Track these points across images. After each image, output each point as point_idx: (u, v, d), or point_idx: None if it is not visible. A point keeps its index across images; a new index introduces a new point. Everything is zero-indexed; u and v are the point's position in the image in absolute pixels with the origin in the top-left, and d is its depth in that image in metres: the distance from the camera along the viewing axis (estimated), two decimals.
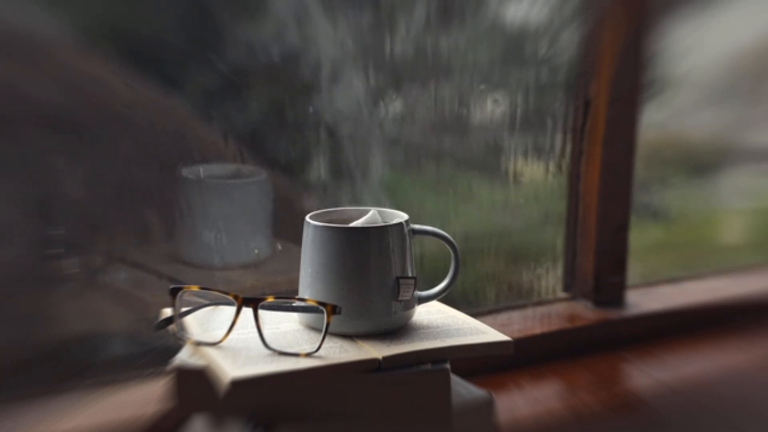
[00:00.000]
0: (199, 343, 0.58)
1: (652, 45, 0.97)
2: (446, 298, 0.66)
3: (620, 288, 1.01)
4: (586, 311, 0.98)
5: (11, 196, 0.68)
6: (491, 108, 0.91)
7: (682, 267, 1.15)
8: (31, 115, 0.68)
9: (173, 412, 0.58)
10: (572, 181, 0.98)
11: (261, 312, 0.57)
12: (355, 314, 0.60)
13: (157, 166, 0.75)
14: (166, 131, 0.76)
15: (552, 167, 0.96)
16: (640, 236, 1.02)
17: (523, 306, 0.96)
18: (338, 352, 0.57)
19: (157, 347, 0.70)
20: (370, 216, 0.63)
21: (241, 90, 0.79)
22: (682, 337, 0.99)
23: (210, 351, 0.57)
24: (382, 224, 0.62)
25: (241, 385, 0.52)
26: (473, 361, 0.60)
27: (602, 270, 0.98)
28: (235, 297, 0.57)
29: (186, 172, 0.76)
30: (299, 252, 0.63)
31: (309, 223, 0.62)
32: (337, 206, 0.68)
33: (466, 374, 0.66)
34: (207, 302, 0.63)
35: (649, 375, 0.91)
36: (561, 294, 1.00)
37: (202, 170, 0.77)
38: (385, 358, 0.56)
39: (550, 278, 0.99)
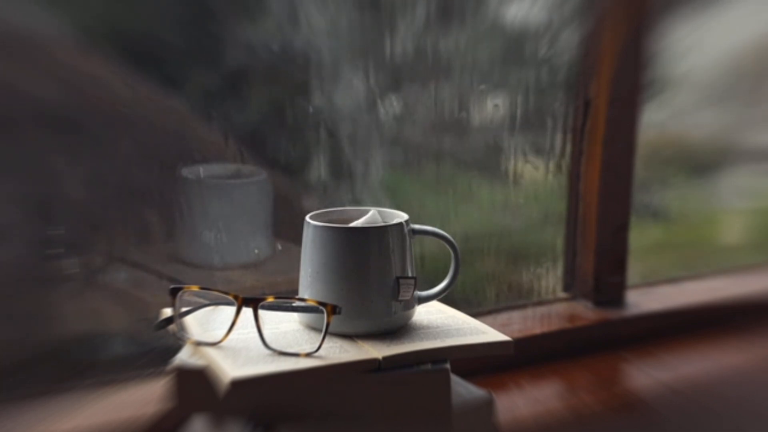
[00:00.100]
0: (199, 343, 0.58)
1: (652, 45, 0.97)
2: (446, 298, 0.66)
3: (620, 288, 1.01)
4: (586, 311, 0.98)
5: (11, 196, 0.68)
6: (491, 108, 0.91)
7: (682, 267, 1.15)
8: (31, 115, 0.68)
9: (173, 412, 0.58)
10: (572, 181, 0.98)
11: (261, 312, 0.57)
12: (355, 314, 0.60)
13: (157, 166, 0.75)
14: (166, 131, 0.76)
15: (552, 167, 0.96)
16: (640, 236, 1.02)
17: (523, 306, 0.96)
18: (338, 352, 0.57)
19: (157, 347, 0.70)
20: (370, 216, 0.63)
21: (241, 90, 0.79)
22: (682, 337, 0.99)
23: (210, 351, 0.57)
24: (382, 224, 0.62)
25: (241, 385, 0.52)
26: (473, 361, 0.60)
27: (602, 270, 0.98)
28: (235, 297, 0.57)
29: (186, 172, 0.76)
30: (299, 252, 0.63)
31: (309, 223, 0.62)
32: (337, 206, 0.68)
33: (466, 374, 0.66)
34: (207, 302, 0.63)
35: (649, 375, 0.91)
36: (561, 294, 1.00)
37: (202, 170, 0.77)
38: (385, 358, 0.56)
39: (550, 278, 0.99)
